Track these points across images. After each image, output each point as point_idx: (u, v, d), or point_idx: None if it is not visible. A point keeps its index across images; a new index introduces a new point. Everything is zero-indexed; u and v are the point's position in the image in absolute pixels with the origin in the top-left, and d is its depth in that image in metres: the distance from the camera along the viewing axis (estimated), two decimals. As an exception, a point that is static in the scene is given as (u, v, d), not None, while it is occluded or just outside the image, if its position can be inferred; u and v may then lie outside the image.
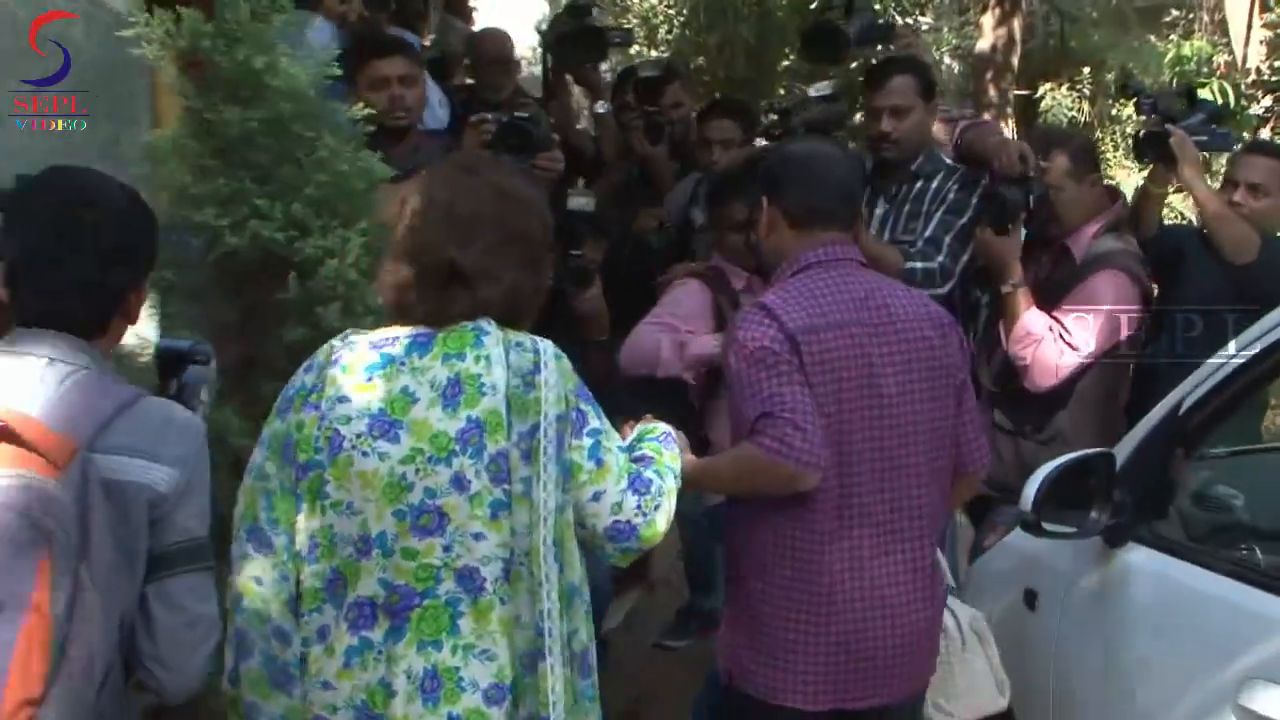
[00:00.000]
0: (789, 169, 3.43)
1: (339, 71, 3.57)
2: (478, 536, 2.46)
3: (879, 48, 5.76)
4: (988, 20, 13.23)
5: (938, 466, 3.29)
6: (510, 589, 2.48)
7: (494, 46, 5.95)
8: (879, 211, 4.85)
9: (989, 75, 12.87)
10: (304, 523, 2.51)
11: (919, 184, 4.83)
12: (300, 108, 3.43)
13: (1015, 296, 4.53)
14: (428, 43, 6.74)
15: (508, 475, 2.47)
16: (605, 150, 5.93)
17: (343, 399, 2.50)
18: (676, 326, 4.40)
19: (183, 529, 2.40)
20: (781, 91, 10.98)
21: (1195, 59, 13.24)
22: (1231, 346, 3.15)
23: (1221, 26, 14.48)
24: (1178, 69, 13.02)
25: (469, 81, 6.10)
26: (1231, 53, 13.53)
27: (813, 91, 4.96)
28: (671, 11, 13.55)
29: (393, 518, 2.46)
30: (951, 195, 4.75)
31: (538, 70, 6.63)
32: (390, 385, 2.50)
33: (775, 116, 5.01)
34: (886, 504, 3.22)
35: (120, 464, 2.31)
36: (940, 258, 4.59)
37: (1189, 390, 3.23)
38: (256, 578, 2.52)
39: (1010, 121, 12.75)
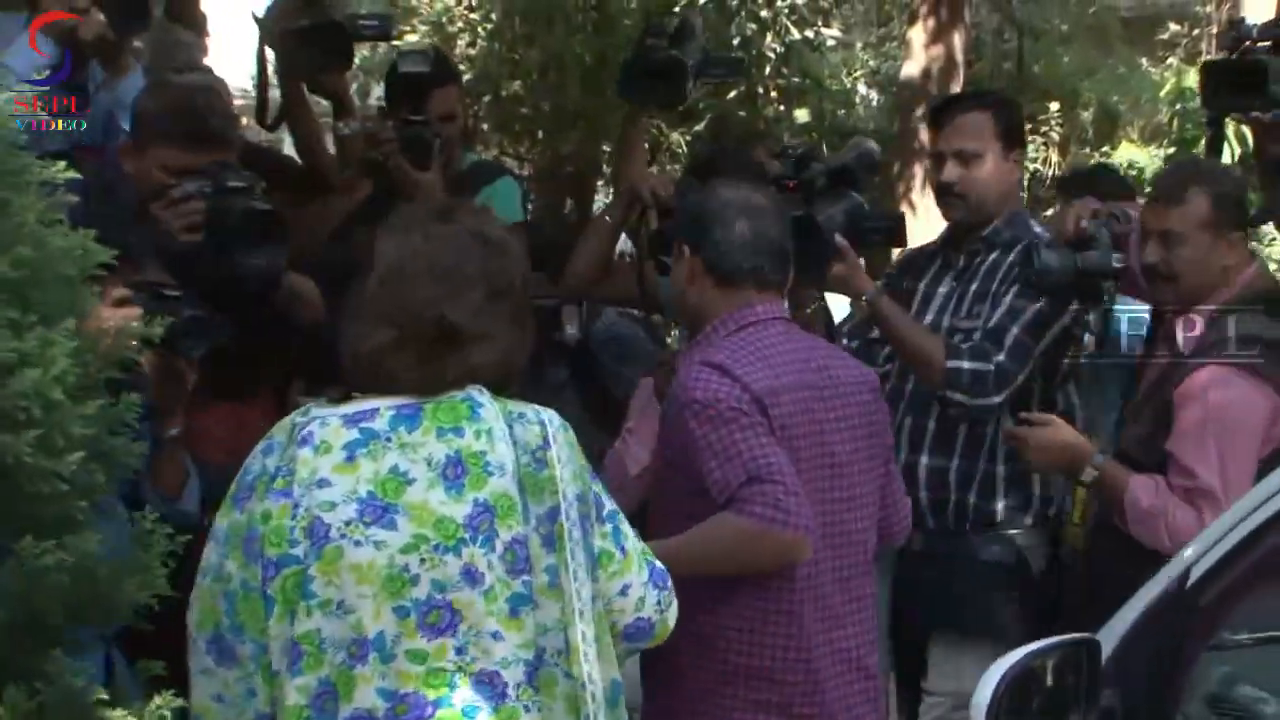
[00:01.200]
0: (716, 219, 4.03)
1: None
2: (495, 636, 2.83)
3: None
4: (917, 34, 13.11)
5: (873, 535, 4.08)
6: (540, 695, 2.86)
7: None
8: (943, 290, 5.05)
9: (919, 112, 12.53)
10: (277, 629, 2.79)
11: (993, 256, 4.96)
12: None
13: (1106, 474, 4.58)
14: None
15: (528, 565, 2.86)
16: (331, 176, 5.81)
17: (322, 482, 2.83)
18: (626, 440, 4.78)
19: None
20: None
21: (1202, 92, 13.45)
22: (1255, 494, 3.21)
23: (1239, 48, 14.67)
24: (1178, 105, 13.23)
25: None
26: (1256, 84, 13.70)
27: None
28: (476, 17, 13.28)
29: (393, 615, 2.80)
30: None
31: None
32: (377, 465, 2.85)
33: (789, 163, 5.07)
34: (842, 577, 3.96)
35: None
36: (999, 357, 4.72)
37: (1199, 555, 3.25)
38: (218, 694, 2.86)
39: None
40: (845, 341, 5.11)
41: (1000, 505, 4.89)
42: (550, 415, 3.00)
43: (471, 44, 13.04)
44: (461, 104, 6.06)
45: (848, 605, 3.97)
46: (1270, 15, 11.90)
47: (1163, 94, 13.77)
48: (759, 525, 3.70)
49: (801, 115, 13.95)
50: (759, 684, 3.89)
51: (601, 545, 3.00)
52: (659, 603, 3.12)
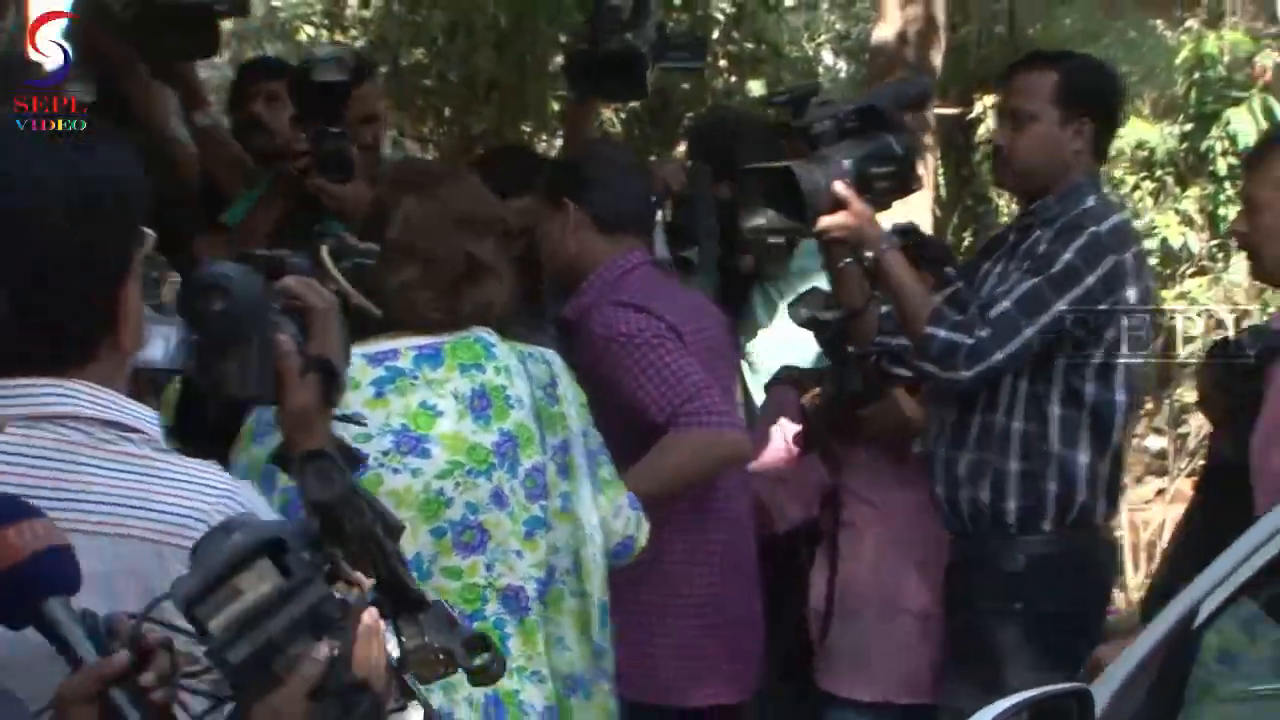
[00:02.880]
0: (599, 172, 5.05)
1: None
2: (518, 554, 3.70)
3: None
4: (891, -7, 13.19)
5: None
6: (548, 610, 3.74)
7: None
8: (997, 270, 5.22)
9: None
10: None
11: (1036, 233, 5.08)
12: None
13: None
14: None
15: (544, 491, 3.76)
16: (219, 175, 5.82)
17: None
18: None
19: None
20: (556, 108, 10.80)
21: (1224, 59, 13.46)
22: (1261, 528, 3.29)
23: (1268, 9, 14.70)
24: (1196, 75, 13.24)
25: None
26: (1287, 50, 13.70)
27: None
28: (371, -26, 13.17)
29: (430, 536, 3.63)
30: (1043, 246, 5.03)
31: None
32: (407, 400, 3.66)
33: (787, 106, 5.27)
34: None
35: None
36: (980, 332, 4.88)
37: (1205, 593, 3.28)
38: None
39: (929, 154, 12.65)
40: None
41: (1012, 505, 5.09)
42: (553, 355, 3.93)
43: (364, 4, 13.00)
44: (381, 98, 6.38)
45: (744, 519, 5.12)
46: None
47: (1178, 61, 13.74)
48: (714, 433, 4.62)
49: (756, 87, 13.97)
50: (692, 595, 4.90)
51: (603, 474, 3.94)
52: (637, 522, 4.03)
